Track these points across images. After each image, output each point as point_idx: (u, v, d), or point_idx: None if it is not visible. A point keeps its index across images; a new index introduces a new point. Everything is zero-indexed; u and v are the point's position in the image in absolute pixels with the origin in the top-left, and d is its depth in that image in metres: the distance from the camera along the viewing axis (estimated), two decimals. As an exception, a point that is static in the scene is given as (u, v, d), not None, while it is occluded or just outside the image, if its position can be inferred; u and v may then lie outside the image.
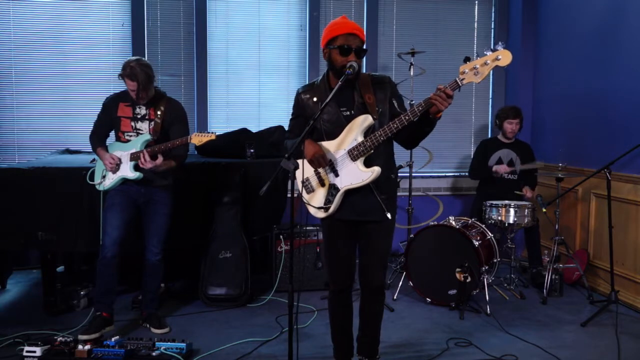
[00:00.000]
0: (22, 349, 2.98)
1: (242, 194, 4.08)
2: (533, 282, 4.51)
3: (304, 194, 2.68)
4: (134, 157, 3.36)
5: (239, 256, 4.01)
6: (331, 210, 2.58)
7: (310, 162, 2.56)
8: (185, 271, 4.48)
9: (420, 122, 2.42)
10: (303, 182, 2.68)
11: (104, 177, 3.46)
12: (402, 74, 5.09)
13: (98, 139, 3.51)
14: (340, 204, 2.58)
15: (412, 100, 4.76)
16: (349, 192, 2.55)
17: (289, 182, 2.28)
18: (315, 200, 2.63)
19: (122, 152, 3.40)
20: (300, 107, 2.67)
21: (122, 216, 3.39)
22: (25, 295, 4.27)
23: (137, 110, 3.42)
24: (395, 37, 5.44)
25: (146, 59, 5.04)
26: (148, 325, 3.54)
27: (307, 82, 5.18)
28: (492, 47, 2.23)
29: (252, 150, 4.36)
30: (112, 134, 3.55)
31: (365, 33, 2.57)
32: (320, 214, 2.62)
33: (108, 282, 3.40)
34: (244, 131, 4.63)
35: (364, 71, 2.60)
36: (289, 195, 2.43)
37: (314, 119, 2.41)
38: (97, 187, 3.50)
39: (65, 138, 5.00)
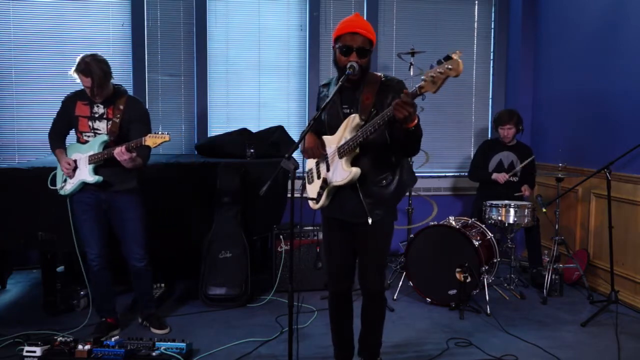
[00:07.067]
0: (22, 349, 2.99)
1: (242, 194, 4.07)
2: (533, 282, 4.51)
3: (306, 184, 2.75)
4: (93, 159, 3.18)
5: (239, 256, 4.01)
6: (321, 203, 2.61)
7: (304, 153, 2.63)
8: (185, 271, 4.48)
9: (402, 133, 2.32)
10: (307, 172, 2.74)
11: (65, 181, 3.29)
12: (402, 74, 5.08)
13: (56, 138, 3.33)
14: (331, 202, 2.61)
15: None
16: (340, 191, 2.56)
17: (289, 182, 2.28)
18: (312, 192, 2.68)
19: (81, 154, 3.22)
20: (318, 99, 2.76)
21: (97, 232, 3.27)
22: (25, 295, 4.27)
23: (95, 109, 3.21)
24: (395, 37, 5.44)
25: (146, 59, 5.09)
26: (148, 325, 3.54)
27: (307, 83, 5.29)
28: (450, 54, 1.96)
29: (252, 150, 4.37)
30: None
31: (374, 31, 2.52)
32: (313, 205, 2.67)
33: (103, 292, 3.40)
34: (244, 131, 4.64)
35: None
36: (289, 195, 2.42)
37: (314, 119, 2.42)
38: (59, 191, 3.32)
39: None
